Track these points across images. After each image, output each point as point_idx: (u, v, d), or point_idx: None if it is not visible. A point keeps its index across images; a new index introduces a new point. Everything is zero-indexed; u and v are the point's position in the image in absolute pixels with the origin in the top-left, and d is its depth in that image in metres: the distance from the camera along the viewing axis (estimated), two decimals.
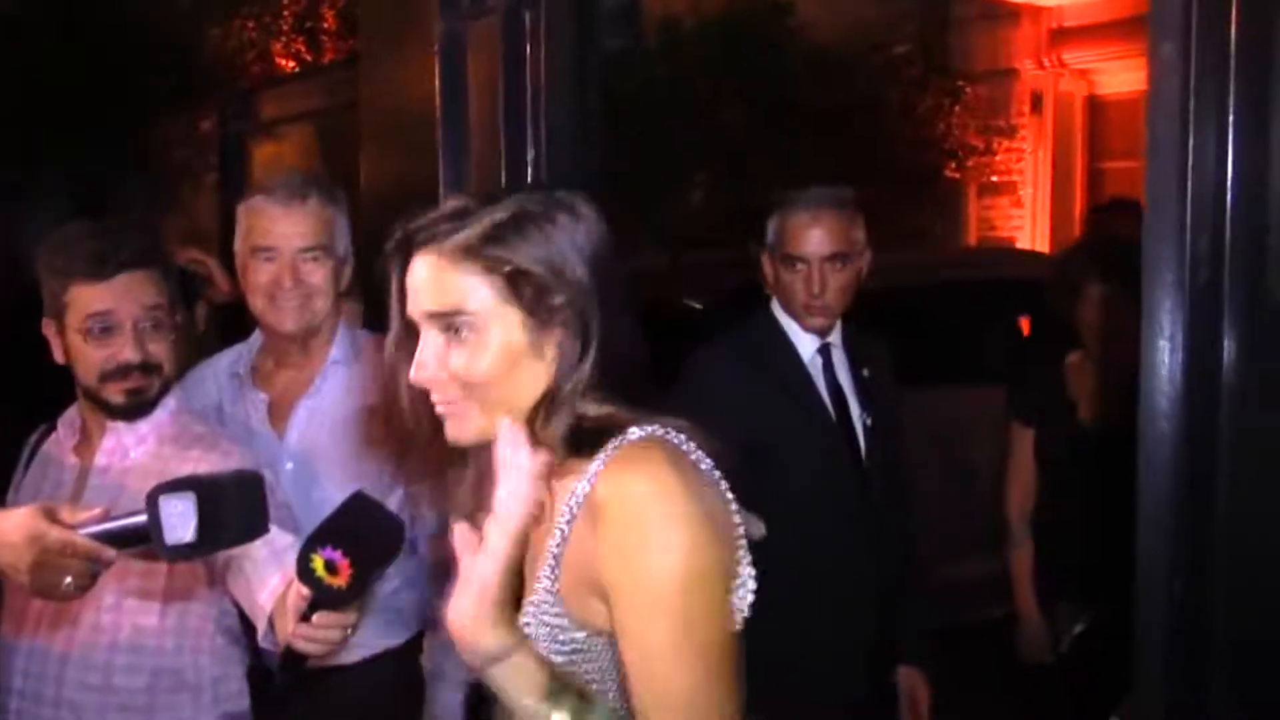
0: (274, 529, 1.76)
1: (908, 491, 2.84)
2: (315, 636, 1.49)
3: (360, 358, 2.40)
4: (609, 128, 2.76)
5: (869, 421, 2.72)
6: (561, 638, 1.32)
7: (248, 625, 2.02)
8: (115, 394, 2.08)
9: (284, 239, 2.31)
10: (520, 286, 1.31)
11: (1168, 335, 1.47)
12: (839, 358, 2.74)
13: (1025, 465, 3.21)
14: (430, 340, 1.34)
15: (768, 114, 7.83)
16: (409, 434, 1.42)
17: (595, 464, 1.31)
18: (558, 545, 1.33)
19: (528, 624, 1.34)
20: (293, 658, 1.52)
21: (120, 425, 2.12)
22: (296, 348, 2.39)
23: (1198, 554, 1.49)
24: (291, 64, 9.33)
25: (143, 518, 1.53)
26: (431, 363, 1.33)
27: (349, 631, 1.50)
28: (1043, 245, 9.19)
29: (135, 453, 2.12)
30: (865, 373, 2.76)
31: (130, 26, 7.79)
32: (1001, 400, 3.38)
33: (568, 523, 1.32)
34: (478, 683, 1.31)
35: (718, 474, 1.33)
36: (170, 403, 2.16)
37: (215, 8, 8.42)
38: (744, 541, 1.33)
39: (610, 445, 1.31)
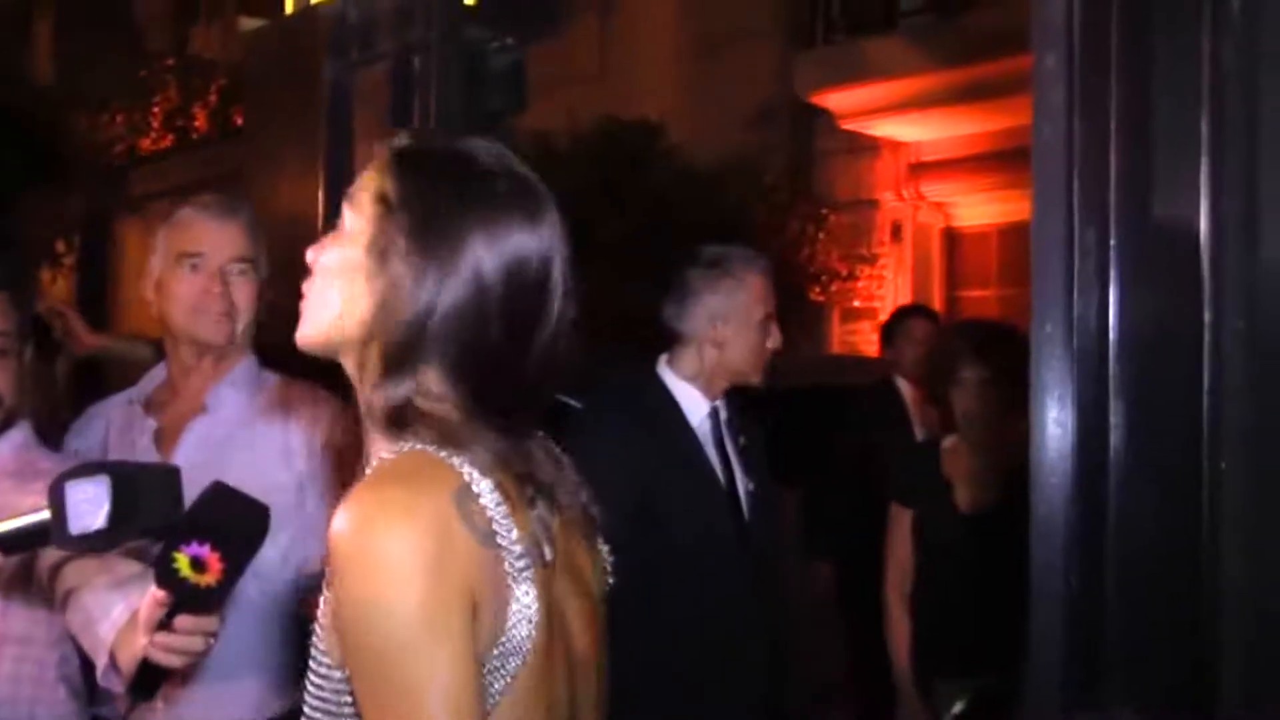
0: (115, 557, 1.64)
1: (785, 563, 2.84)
2: (176, 645, 1.37)
3: (261, 391, 2.30)
4: None
5: (752, 488, 2.72)
6: (322, 671, 1.17)
7: (88, 676, 1.86)
8: None
9: (215, 247, 2.24)
10: (394, 211, 1.20)
11: (1057, 406, 1.41)
12: (724, 423, 2.75)
13: (903, 544, 3.22)
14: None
15: (638, 228, 7.96)
16: None
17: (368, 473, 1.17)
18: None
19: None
20: (149, 674, 1.40)
21: None
22: (202, 368, 2.29)
23: (1091, 630, 1.43)
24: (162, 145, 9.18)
25: (42, 514, 1.35)
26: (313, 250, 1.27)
27: (211, 640, 1.39)
28: None
29: None
30: (742, 441, 2.77)
31: None
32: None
33: None
34: None
35: (502, 509, 1.14)
36: (16, 436, 2.02)
37: (85, 96, 8.24)
38: (514, 580, 1.13)
39: (387, 449, 1.16)
